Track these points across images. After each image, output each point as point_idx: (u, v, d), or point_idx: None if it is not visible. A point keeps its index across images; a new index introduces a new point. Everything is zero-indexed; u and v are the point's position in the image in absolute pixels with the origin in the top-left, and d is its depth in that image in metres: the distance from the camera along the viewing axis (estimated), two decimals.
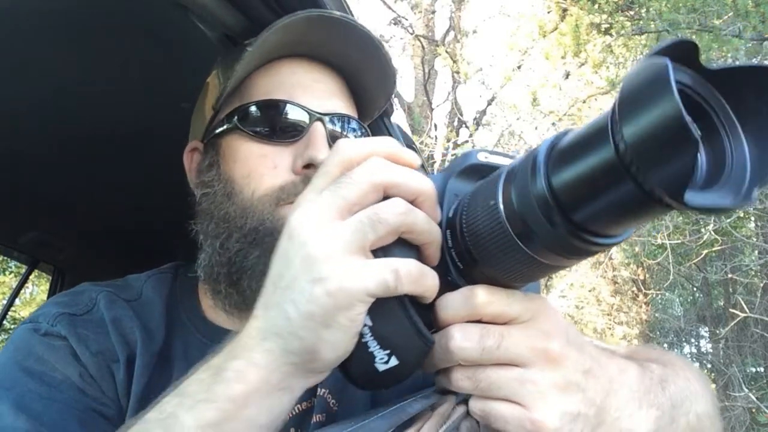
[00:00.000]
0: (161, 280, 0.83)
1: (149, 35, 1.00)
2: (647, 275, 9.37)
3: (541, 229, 0.41)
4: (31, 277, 2.04)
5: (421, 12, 8.96)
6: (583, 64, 7.51)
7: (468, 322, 0.48)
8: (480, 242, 0.45)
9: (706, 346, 10.24)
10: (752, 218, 7.32)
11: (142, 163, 1.35)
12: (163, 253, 1.08)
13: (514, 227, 0.43)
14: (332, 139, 0.75)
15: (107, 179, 1.47)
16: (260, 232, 0.70)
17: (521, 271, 0.45)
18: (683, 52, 0.36)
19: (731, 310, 6.60)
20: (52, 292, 1.96)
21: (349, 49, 0.77)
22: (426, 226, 0.47)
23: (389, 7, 9.27)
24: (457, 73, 8.12)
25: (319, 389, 0.72)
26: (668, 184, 0.33)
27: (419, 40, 8.78)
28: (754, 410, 6.58)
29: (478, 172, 0.53)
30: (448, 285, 0.49)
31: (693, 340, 10.38)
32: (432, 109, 8.76)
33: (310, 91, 0.76)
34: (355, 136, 0.79)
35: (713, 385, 7.82)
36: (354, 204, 0.45)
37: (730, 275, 7.04)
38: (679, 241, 6.56)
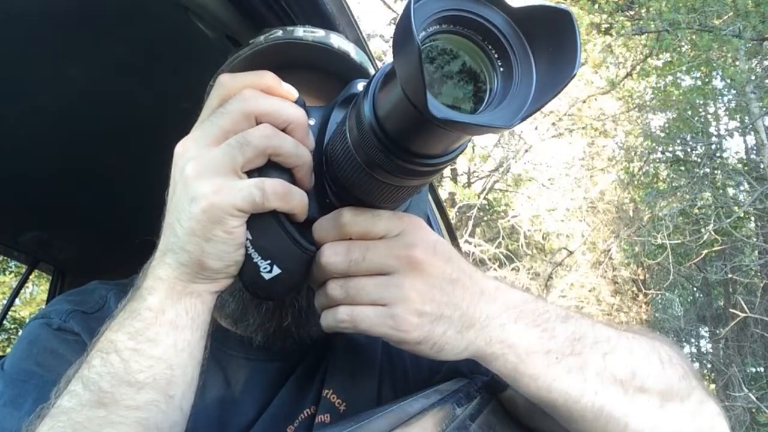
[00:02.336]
0: None
1: (150, 35, 1.00)
2: (647, 275, 9.37)
3: (374, 152, 0.45)
4: (31, 277, 2.04)
5: None
6: (583, 64, 7.50)
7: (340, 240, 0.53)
8: (339, 167, 0.50)
9: (706, 346, 10.24)
10: (752, 218, 7.32)
11: (143, 163, 1.35)
12: None
13: (358, 153, 0.47)
14: None
15: (108, 179, 1.47)
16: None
17: (378, 192, 0.50)
18: None
19: (731, 310, 6.61)
20: (52, 292, 1.96)
21: (334, 62, 0.71)
22: (293, 149, 0.51)
23: (389, 7, 9.28)
24: None
25: (324, 390, 0.72)
26: (411, 91, 0.37)
27: None
28: (754, 410, 6.58)
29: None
30: (326, 207, 0.55)
31: (693, 340, 10.38)
32: None
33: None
34: None
35: (713, 386, 7.81)
36: (227, 131, 0.50)
37: (730, 275, 7.05)
38: (679, 241, 6.57)
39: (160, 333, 0.50)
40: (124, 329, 0.50)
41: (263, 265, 0.53)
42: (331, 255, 0.53)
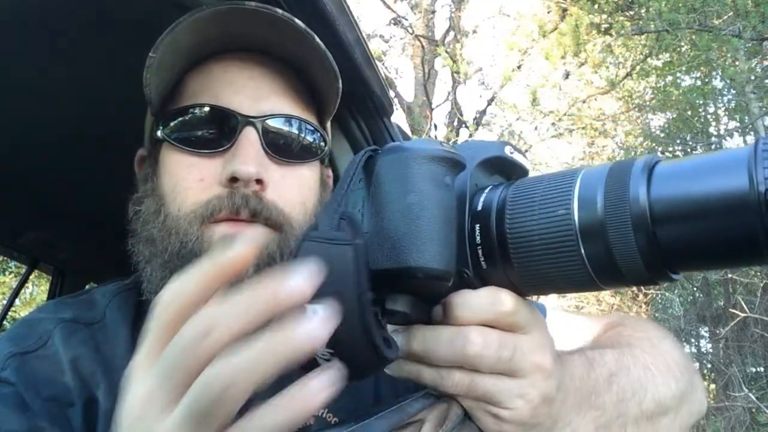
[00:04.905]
0: (126, 300, 0.74)
1: (150, 36, 1.00)
2: None
3: (623, 249, 0.38)
4: (31, 277, 2.04)
5: (421, 12, 8.96)
6: (582, 64, 7.50)
7: (484, 326, 0.48)
8: (529, 248, 0.44)
9: (706, 346, 10.22)
10: None
11: None
12: None
13: (587, 244, 0.41)
14: (271, 144, 0.65)
15: (108, 179, 1.46)
16: (182, 256, 0.61)
17: (558, 285, 0.45)
18: None
19: (731, 310, 6.60)
20: (52, 292, 1.96)
21: (282, 40, 0.66)
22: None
23: (389, 7, 9.27)
24: (457, 73, 8.12)
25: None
26: None
27: (419, 40, 8.78)
28: (754, 410, 6.58)
29: (500, 166, 0.52)
30: (461, 279, 0.48)
31: (693, 340, 10.37)
32: (432, 109, 8.76)
33: (244, 90, 0.66)
34: (303, 138, 0.70)
35: (713, 386, 7.81)
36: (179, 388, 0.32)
37: (730, 275, 7.04)
38: None
39: None
40: None
41: (321, 351, 0.43)
42: (485, 348, 0.47)
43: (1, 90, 1.11)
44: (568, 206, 0.42)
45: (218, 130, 0.65)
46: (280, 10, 0.63)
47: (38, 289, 7.43)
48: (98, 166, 1.40)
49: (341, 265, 0.43)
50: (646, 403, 0.58)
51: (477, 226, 0.47)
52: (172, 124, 0.67)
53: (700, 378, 0.68)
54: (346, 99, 0.98)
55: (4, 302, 2.14)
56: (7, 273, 8.13)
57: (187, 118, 0.66)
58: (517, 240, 0.44)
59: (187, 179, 0.64)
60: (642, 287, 8.79)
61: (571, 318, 0.82)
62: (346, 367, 0.42)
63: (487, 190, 0.49)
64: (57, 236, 1.74)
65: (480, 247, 0.47)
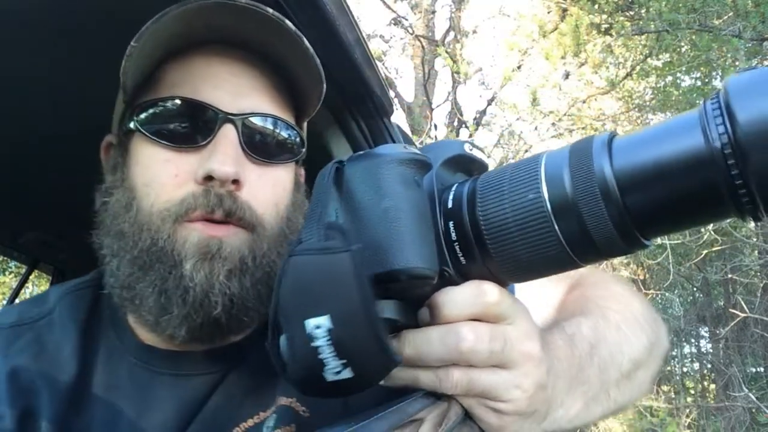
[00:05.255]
0: (81, 298, 0.72)
1: None
2: (647, 275, 9.36)
3: (596, 222, 0.40)
4: (31, 277, 2.04)
5: (421, 12, 8.95)
6: (583, 65, 7.50)
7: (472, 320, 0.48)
8: (505, 237, 0.44)
9: (706, 346, 10.22)
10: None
11: None
12: None
13: (561, 223, 0.42)
14: (249, 143, 0.64)
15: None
16: (151, 254, 0.60)
17: (537, 267, 0.45)
18: None
19: (731, 310, 6.59)
20: None
21: (268, 39, 0.65)
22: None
23: (389, 7, 9.27)
24: (457, 73, 8.11)
25: (278, 398, 0.65)
26: None
27: (419, 40, 8.77)
28: (754, 410, 6.57)
29: (461, 163, 0.53)
30: (442, 278, 0.49)
31: (693, 340, 10.37)
32: (432, 109, 8.75)
33: (225, 85, 0.64)
34: (281, 138, 0.68)
35: (713, 386, 7.80)
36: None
37: (730, 275, 7.03)
38: (679, 241, 6.55)
39: None
40: None
41: (333, 364, 0.42)
42: (477, 342, 0.47)
43: (1, 90, 1.11)
44: (537, 189, 0.43)
45: (196, 125, 0.63)
46: (270, 9, 0.62)
47: (38, 289, 7.42)
48: (99, 166, 1.40)
49: (340, 273, 0.42)
50: (624, 365, 0.61)
51: (450, 223, 0.48)
52: (146, 114, 0.64)
53: (661, 321, 0.71)
54: (346, 99, 0.98)
55: (4, 302, 2.14)
56: (7, 273, 8.13)
57: (163, 110, 0.64)
58: (492, 230, 0.45)
59: (162, 174, 0.62)
60: (642, 287, 8.79)
61: (537, 287, 0.83)
62: (359, 375, 0.43)
63: (454, 188, 0.49)
64: (57, 236, 1.74)
65: (456, 243, 0.47)
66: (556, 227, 0.42)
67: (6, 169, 1.37)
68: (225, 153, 0.61)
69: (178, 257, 0.60)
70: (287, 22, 0.63)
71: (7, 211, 1.58)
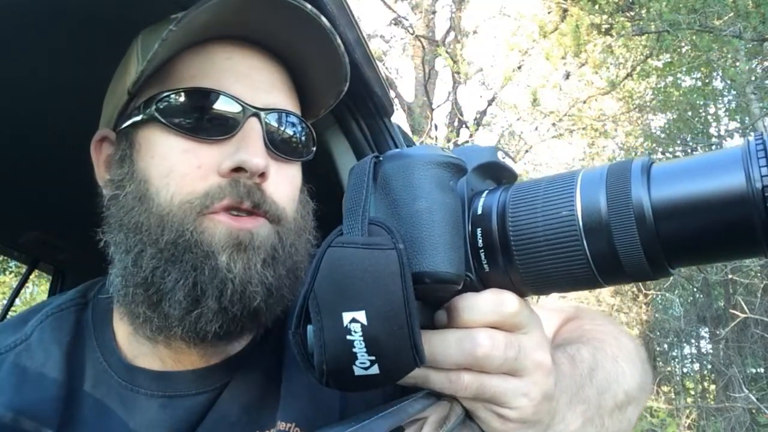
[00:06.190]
0: (62, 320, 0.70)
1: None
2: None
3: (627, 247, 0.40)
4: (31, 277, 2.04)
5: (422, 12, 8.96)
6: (583, 65, 7.50)
7: (489, 327, 0.49)
8: (533, 250, 0.45)
9: (706, 346, 10.22)
10: None
11: None
12: None
13: (591, 243, 0.42)
14: (270, 139, 0.63)
15: None
16: (179, 246, 0.58)
17: (560, 283, 0.46)
18: None
19: (731, 310, 6.59)
20: (52, 292, 1.96)
21: (296, 36, 0.64)
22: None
23: (389, 7, 9.27)
24: (458, 73, 8.11)
25: (279, 422, 0.63)
26: None
27: (419, 40, 8.77)
28: (754, 411, 6.57)
29: (492, 170, 0.53)
30: (463, 282, 0.49)
31: (693, 340, 10.36)
32: (432, 110, 8.75)
33: (245, 80, 0.64)
34: (295, 135, 0.68)
35: (713, 386, 7.80)
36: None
37: (730, 276, 7.03)
38: None
39: None
40: None
41: (363, 359, 0.43)
42: (493, 348, 0.48)
43: (1, 90, 1.11)
44: (571, 207, 0.43)
45: (220, 118, 0.62)
46: (309, 5, 0.61)
47: (38, 288, 7.42)
48: None
49: (386, 270, 0.43)
50: (619, 396, 0.61)
51: (478, 230, 0.48)
52: (166, 105, 0.62)
53: (648, 364, 0.73)
54: (347, 99, 0.98)
55: (4, 302, 2.14)
56: (7, 273, 8.13)
57: (188, 102, 0.62)
58: (520, 241, 0.45)
59: (182, 165, 0.60)
60: (642, 287, 8.79)
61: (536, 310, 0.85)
62: (385, 372, 0.44)
63: (484, 195, 0.50)
64: (57, 236, 1.74)
65: (482, 250, 0.48)
66: (586, 246, 0.43)
67: (6, 169, 1.37)
68: (256, 146, 0.61)
69: (208, 249, 0.58)
70: (323, 18, 0.62)
71: (7, 211, 1.58)
